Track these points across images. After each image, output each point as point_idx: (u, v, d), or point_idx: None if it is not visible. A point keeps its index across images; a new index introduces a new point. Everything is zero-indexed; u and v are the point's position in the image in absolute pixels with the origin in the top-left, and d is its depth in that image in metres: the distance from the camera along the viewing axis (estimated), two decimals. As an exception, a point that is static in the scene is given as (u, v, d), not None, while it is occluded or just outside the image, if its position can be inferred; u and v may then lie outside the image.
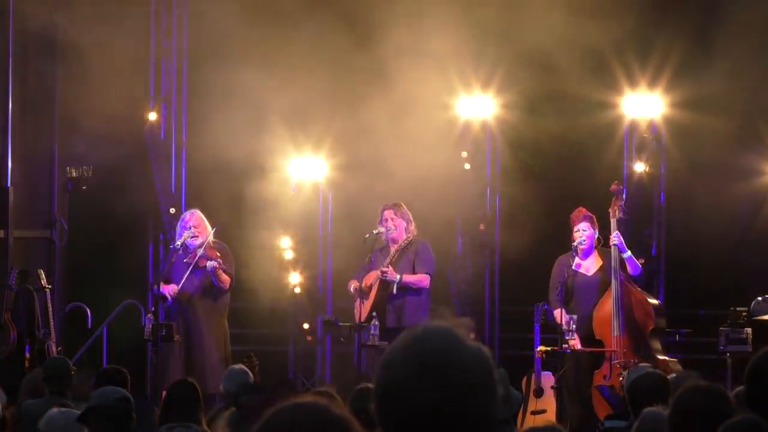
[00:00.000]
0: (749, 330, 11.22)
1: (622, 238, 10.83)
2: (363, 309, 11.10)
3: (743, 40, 12.30)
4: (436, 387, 2.44)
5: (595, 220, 10.94)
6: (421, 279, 11.18)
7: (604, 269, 10.84)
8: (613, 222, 10.89)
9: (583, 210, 10.97)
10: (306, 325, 13.54)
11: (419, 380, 2.45)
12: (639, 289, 10.94)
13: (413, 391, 2.45)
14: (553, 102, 12.81)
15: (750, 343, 11.12)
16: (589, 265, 10.91)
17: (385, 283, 11.16)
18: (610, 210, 10.96)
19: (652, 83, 12.78)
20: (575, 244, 10.85)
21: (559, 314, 10.67)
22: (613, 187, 11.10)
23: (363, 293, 11.10)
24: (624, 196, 11.13)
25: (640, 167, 12.88)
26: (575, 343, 10.54)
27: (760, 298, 11.41)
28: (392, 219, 11.26)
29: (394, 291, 11.06)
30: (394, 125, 12.67)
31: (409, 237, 11.33)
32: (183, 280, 11.29)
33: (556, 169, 13.02)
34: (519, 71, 12.74)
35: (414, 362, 2.47)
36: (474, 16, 12.69)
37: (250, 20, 12.72)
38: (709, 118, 12.37)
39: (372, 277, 11.19)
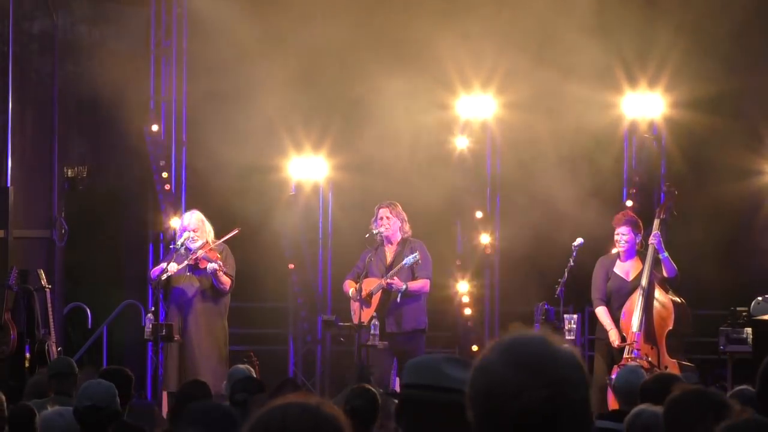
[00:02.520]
0: (749, 330, 11.20)
1: (660, 238, 10.81)
2: (363, 314, 11.08)
3: (743, 40, 12.29)
4: (544, 384, 2.48)
5: (639, 223, 10.90)
6: (423, 285, 11.20)
7: (641, 275, 10.82)
8: (656, 222, 10.90)
9: (628, 213, 11.00)
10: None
11: (524, 380, 2.48)
12: (670, 291, 10.90)
13: (520, 389, 2.47)
14: (553, 102, 12.79)
15: (750, 343, 11.11)
16: (629, 269, 10.89)
17: (387, 291, 11.14)
18: (657, 209, 11.01)
19: (652, 83, 12.78)
20: (616, 248, 10.88)
21: (602, 312, 10.77)
22: (666, 187, 11.18)
23: (365, 302, 11.08)
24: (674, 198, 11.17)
25: (639, 166, 12.88)
26: (615, 338, 10.61)
27: (760, 298, 11.41)
28: (387, 218, 11.24)
29: (398, 300, 11.06)
30: (395, 125, 12.67)
31: (403, 236, 11.32)
32: (178, 267, 11.23)
33: (556, 169, 13.00)
34: (519, 71, 12.72)
35: (513, 364, 2.51)
36: (473, 16, 12.68)
37: (250, 19, 12.71)
38: (709, 118, 12.36)
39: (373, 284, 11.16)
